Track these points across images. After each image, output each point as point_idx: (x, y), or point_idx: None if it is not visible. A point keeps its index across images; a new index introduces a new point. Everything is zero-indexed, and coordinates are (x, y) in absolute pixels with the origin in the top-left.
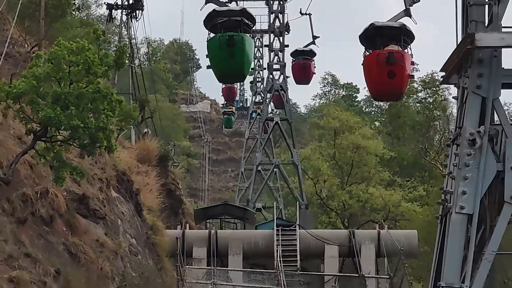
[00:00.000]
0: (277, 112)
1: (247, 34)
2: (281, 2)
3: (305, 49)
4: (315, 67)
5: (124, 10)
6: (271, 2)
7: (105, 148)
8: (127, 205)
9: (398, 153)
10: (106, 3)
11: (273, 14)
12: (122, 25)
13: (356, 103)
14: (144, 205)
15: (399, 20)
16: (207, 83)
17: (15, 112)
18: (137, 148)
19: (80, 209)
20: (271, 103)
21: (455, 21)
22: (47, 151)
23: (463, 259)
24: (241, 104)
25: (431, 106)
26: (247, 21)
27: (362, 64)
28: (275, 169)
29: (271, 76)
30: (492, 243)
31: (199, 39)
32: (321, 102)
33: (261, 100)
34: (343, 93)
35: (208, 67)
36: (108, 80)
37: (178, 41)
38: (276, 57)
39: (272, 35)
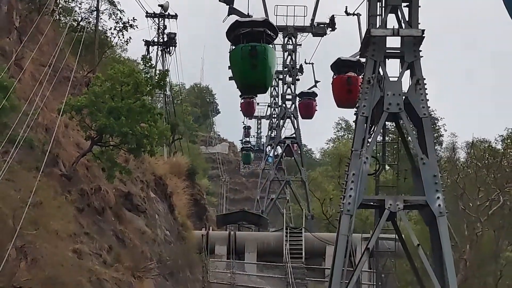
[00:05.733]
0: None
1: (270, 45)
2: (294, 44)
3: (309, 91)
4: (316, 105)
5: (159, 46)
6: (286, 43)
7: (148, 152)
8: (162, 204)
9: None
10: (144, 40)
11: (287, 52)
12: (158, 58)
13: None
14: (176, 206)
15: (356, 57)
16: (225, 127)
17: (77, 121)
18: (170, 162)
19: (125, 204)
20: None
21: (366, 26)
22: (101, 154)
23: None
24: (257, 147)
25: None
26: (269, 32)
27: (331, 83)
28: (286, 188)
29: (284, 105)
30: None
31: (218, 85)
32: (334, 146)
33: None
34: None
35: (230, 78)
36: (152, 98)
37: (198, 85)
38: (289, 89)
39: (285, 70)
